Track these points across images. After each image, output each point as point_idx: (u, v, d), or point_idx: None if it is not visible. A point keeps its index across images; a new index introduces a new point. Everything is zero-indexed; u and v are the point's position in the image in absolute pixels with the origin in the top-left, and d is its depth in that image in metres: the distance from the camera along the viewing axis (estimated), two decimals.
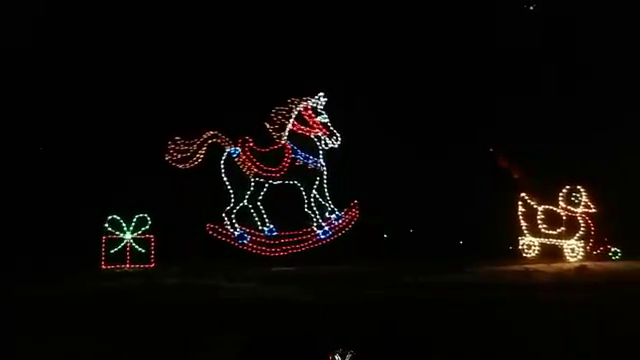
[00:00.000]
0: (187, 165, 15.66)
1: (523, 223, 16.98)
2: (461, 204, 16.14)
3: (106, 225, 15.65)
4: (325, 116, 15.98)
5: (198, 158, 15.72)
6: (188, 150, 15.64)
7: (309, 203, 15.97)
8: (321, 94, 16.00)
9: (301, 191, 16.03)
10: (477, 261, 14.60)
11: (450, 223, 16.20)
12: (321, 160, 16.11)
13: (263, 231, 15.89)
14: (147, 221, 15.87)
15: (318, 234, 15.90)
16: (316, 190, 16.03)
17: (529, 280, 12.37)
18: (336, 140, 15.89)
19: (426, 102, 17.09)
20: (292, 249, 15.70)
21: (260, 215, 15.97)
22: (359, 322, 8.59)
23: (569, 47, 17.35)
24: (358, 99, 16.39)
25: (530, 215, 16.94)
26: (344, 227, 16.04)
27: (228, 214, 15.79)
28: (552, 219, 16.66)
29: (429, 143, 16.72)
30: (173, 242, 15.44)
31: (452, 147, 16.57)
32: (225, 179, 15.79)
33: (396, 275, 12.58)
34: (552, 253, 16.47)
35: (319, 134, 15.98)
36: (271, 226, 15.93)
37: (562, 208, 16.49)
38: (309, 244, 15.86)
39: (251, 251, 15.63)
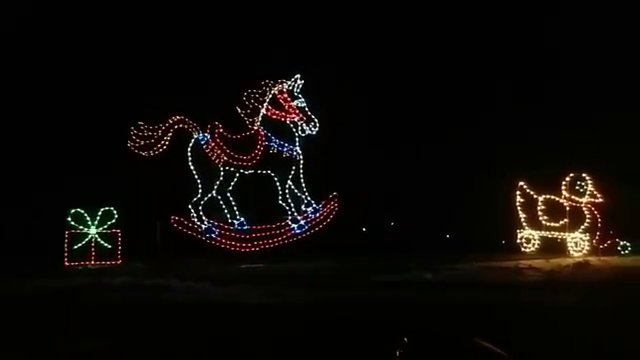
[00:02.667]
0: (151, 152, 14.33)
1: (521, 215, 15.52)
2: (450, 195, 14.78)
3: (69, 219, 14.61)
4: (302, 100, 14.53)
5: (163, 145, 14.37)
6: (152, 136, 14.31)
7: (284, 194, 14.61)
8: (298, 76, 14.54)
9: (275, 181, 14.68)
10: (465, 257, 13.25)
11: (437, 215, 14.85)
12: (297, 148, 14.70)
13: (233, 224, 14.59)
14: (113, 215, 14.78)
15: (293, 228, 14.55)
16: (291, 180, 14.66)
17: (517, 279, 10.97)
18: (314, 126, 14.43)
19: (413, 91, 15.78)
20: (264, 244, 14.36)
21: (230, 207, 14.66)
22: (295, 325, 7.43)
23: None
24: (342, 82, 15.16)
25: (529, 206, 15.47)
26: (322, 221, 14.64)
27: (195, 206, 14.48)
28: (554, 210, 15.21)
29: (414, 131, 15.38)
30: (140, 237, 14.41)
31: (438, 134, 15.21)
32: (192, 168, 14.49)
33: (368, 272, 11.32)
34: (554, 247, 15.06)
35: (295, 119, 14.56)
36: (242, 219, 14.62)
37: (565, 198, 15.03)
38: (283, 239, 14.53)
39: (219, 246, 14.41)
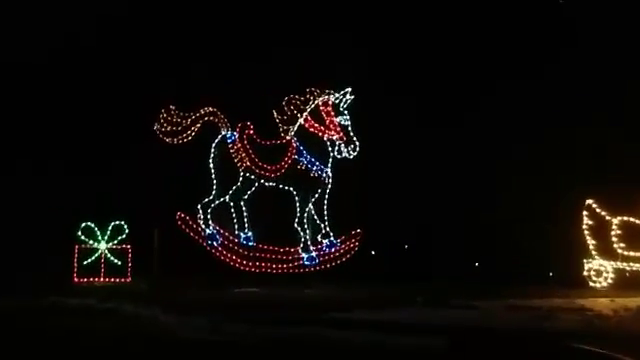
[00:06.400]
0: (175, 140, 13.23)
1: (590, 241, 12.44)
2: (486, 214, 12.16)
3: (79, 233, 13.92)
4: (347, 117, 12.80)
5: (189, 134, 13.25)
6: (180, 123, 13.22)
7: (301, 217, 12.86)
8: (348, 90, 12.85)
9: (295, 201, 12.97)
10: (497, 291, 10.68)
11: (466, 239, 12.25)
12: (328, 170, 12.94)
13: (239, 237, 13.06)
14: (124, 229, 13.90)
15: (302, 258, 12.74)
16: (313, 204, 12.90)
17: (540, 324, 8.25)
18: (353, 149, 12.68)
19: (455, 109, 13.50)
20: (266, 267, 12.61)
21: (240, 217, 13.16)
22: None
23: None
24: (391, 105, 13.32)
25: (600, 230, 12.37)
26: (336, 259, 12.71)
27: (204, 207, 13.11)
28: (634, 235, 12.04)
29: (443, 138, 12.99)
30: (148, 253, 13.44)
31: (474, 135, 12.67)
32: (211, 166, 13.16)
33: (355, 306, 9.30)
34: (636, 283, 11.87)
35: (334, 137, 12.84)
36: (249, 233, 13.07)
37: None
38: (289, 267, 12.71)
39: (218, 257, 12.84)
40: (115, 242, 13.82)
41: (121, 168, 14.03)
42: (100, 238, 13.83)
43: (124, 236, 13.81)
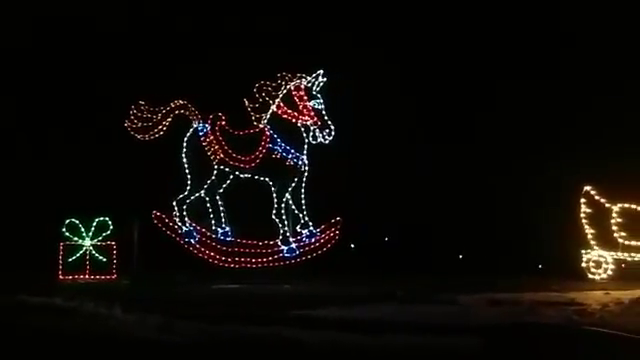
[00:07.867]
0: (147, 136, 12.89)
1: (588, 230, 11.67)
2: (472, 203, 11.48)
3: (63, 230, 13.63)
4: (321, 101, 12.27)
5: (161, 130, 12.90)
6: (151, 119, 12.88)
7: (279, 208, 12.36)
8: (320, 72, 12.34)
9: (272, 191, 12.48)
10: (481, 284, 10.03)
11: (450, 230, 11.59)
12: (304, 157, 12.43)
13: (216, 232, 12.65)
14: (108, 225, 13.59)
15: (282, 251, 12.25)
16: (290, 194, 12.39)
17: (517, 320, 7.64)
18: (329, 134, 12.13)
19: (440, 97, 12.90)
20: (246, 262, 12.16)
21: (217, 212, 12.75)
22: None
23: None
24: (364, 87, 12.83)
25: (599, 218, 11.59)
26: (317, 249, 12.20)
27: (180, 204, 12.72)
28: (636, 223, 11.25)
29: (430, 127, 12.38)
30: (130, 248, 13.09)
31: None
32: (185, 160, 12.77)
33: (330, 302, 8.77)
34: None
35: (308, 123, 12.31)
36: (227, 228, 12.64)
37: None
38: (269, 261, 12.23)
39: (196, 255, 12.46)
40: (100, 239, 13.55)
41: (103, 164, 13.71)
42: (85, 235, 13.55)
43: (109, 232, 13.54)
